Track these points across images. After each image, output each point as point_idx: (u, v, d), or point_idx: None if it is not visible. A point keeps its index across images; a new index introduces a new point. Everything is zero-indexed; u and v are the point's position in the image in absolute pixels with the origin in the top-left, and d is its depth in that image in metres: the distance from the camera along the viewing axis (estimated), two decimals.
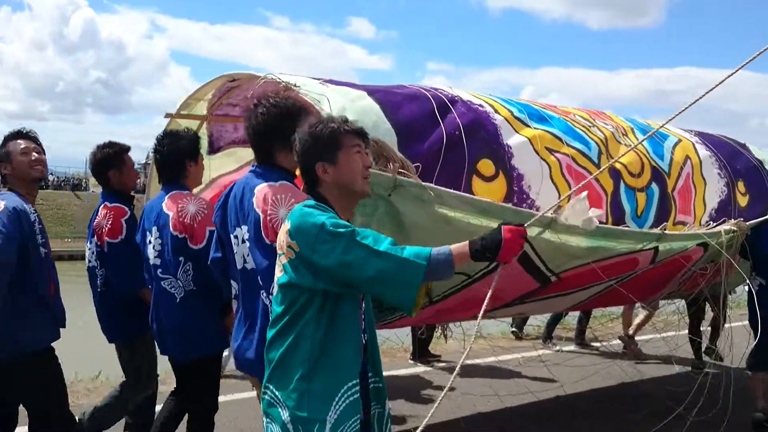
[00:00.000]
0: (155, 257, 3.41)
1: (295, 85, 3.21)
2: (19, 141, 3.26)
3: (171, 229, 3.35)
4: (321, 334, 2.12)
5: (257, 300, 2.76)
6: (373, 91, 3.53)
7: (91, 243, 3.84)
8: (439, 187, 3.20)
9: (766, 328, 4.60)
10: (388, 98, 3.52)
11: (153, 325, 3.50)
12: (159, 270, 3.41)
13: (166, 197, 3.44)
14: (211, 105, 4.12)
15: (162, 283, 3.40)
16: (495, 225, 3.39)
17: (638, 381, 6.21)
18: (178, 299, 3.37)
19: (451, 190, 3.25)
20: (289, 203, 2.66)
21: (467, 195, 3.33)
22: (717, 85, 1.81)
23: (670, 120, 1.90)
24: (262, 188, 2.74)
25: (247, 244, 2.74)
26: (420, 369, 6.64)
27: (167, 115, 4.11)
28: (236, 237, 2.82)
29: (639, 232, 4.01)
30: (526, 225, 2.28)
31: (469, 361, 6.54)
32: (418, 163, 3.23)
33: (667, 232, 4.09)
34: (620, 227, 3.94)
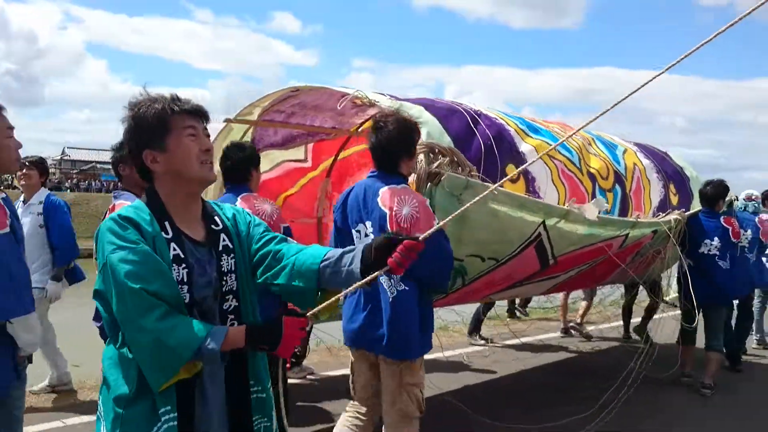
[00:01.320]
0: None
1: (375, 102, 3.83)
2: None
3: None
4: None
5: (377, 284, 3.18)
6: (425, 106, 4.20)
7: None
8: (500, 188, 3.94)
9: (684, 310, 5.80)
10: (436, 113, 4.21)
11: None
12: None
13: (239, 198, 3.76)
14: (263, 111, 4.61)
15: None
16: (529, 217, 4.21)
17: (578, 357, 7.26)
18: None
19: (503, 189, 4.00)
20: (412, 203, 3.16)
21: (512, 192, 4.11)
22: (640, 87, 1.92)
23: (593, 120, 2.10)
24: (385, 190, 3.21)
25: (371, 236, 3.18)
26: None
27: (226, 120, 4.55)
28: (358, 231, 3.29)
29: (620, 220, 4.97)
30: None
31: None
32: (475, 166, 3.96)
33: (638, 220, 5.08)
34: (607, 216, 4.87)
